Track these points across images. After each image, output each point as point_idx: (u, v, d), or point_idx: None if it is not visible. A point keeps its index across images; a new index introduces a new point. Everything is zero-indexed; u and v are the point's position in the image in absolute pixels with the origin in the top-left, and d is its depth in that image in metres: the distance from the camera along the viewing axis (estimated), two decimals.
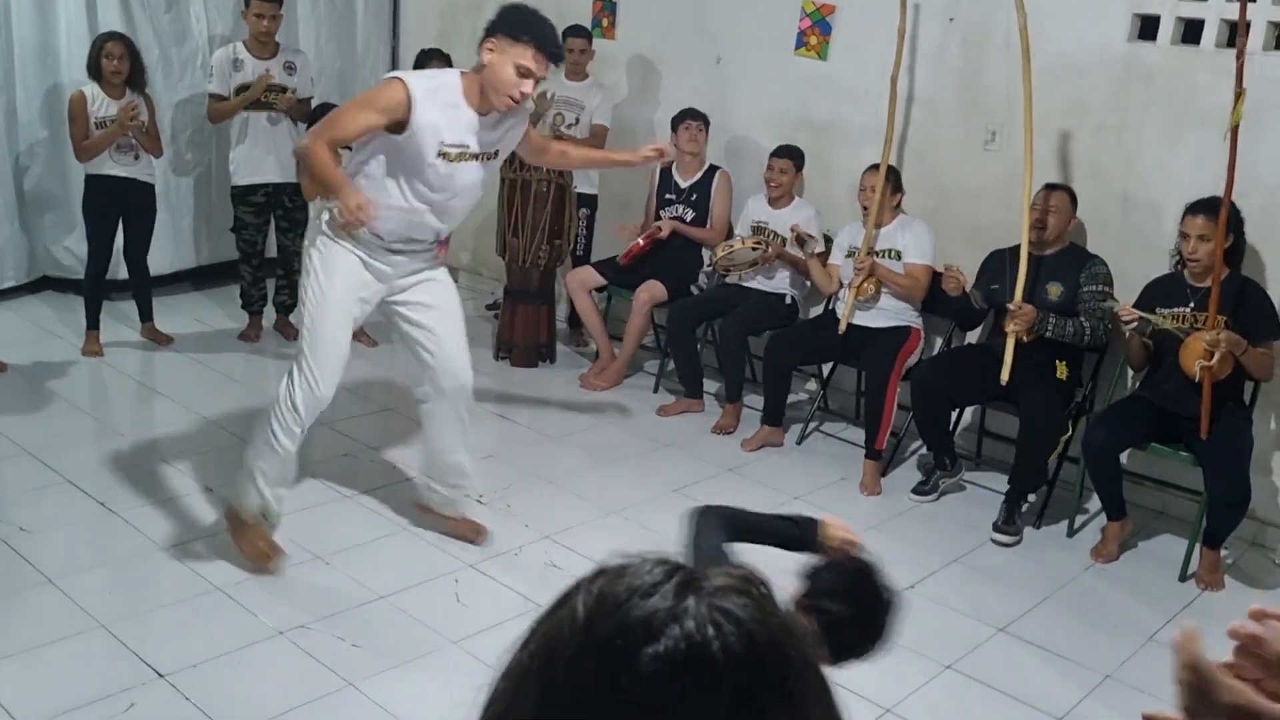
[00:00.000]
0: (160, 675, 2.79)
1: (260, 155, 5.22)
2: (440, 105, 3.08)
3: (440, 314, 3.45)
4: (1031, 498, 4.11)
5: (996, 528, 3.96)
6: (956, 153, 4.70)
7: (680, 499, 4.09)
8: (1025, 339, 3.93)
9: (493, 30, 3.11)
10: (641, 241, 5.14)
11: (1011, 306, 3.92)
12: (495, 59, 3.08)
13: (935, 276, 4.36)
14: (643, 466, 4.36)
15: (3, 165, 5.47)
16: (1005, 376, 3.88)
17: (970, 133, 4.65)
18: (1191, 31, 4.11)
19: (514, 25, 3.08)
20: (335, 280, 3.23)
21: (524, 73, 3.05)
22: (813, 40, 5.10)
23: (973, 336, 4.54)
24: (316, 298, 3.25)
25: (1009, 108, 4.39)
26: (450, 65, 5.49)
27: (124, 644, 2.90)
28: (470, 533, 3.64)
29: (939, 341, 4.68)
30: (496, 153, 3.29)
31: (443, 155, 3.10)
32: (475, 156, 3.19)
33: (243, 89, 5.15)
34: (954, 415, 4.33)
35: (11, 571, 3.23)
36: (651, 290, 5.06)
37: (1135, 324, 3.75)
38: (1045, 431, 3.93)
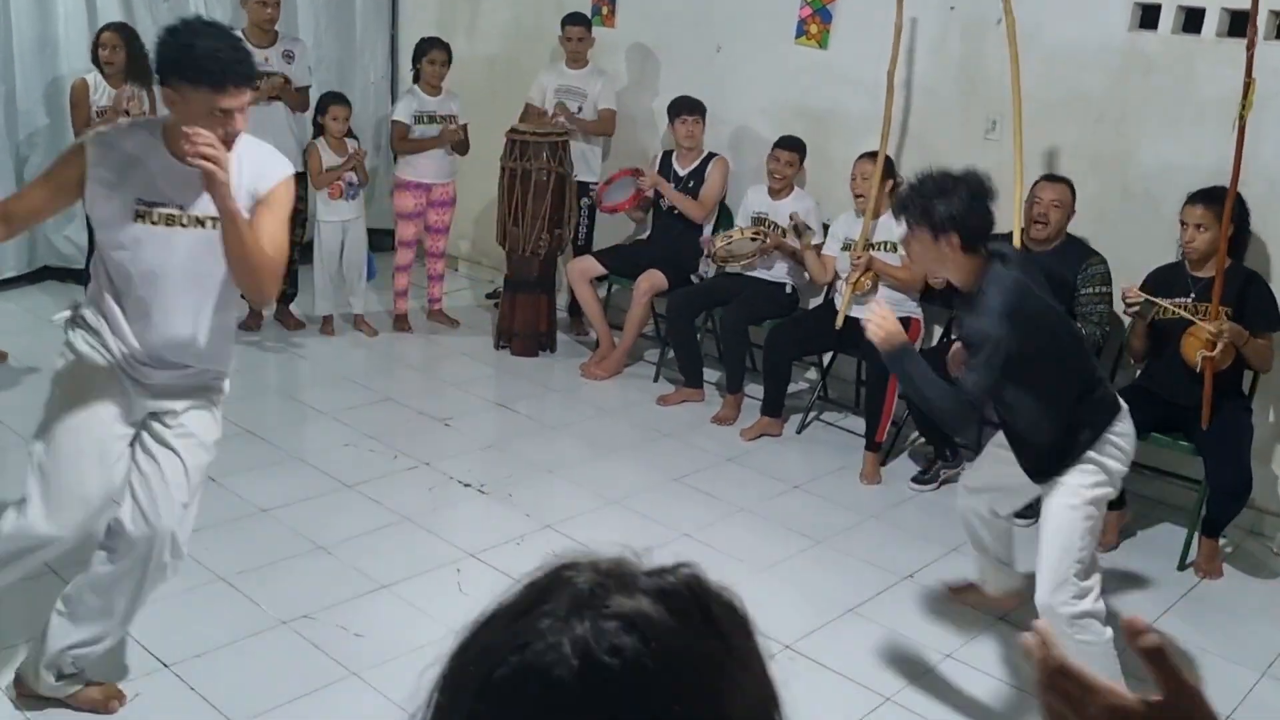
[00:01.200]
0: (165, 665, 2.80)
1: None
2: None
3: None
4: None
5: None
6: (957, 142, 4.69)
7: (680, 488, 4.11)
8: None
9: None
10: (622, 202, 5.17)
11: None
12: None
13: None
14: (643, 456, 4.37)
15: (3, 154, 5.46)
16: None
17: (971, 122, 4.65)
18: (1192, 20, 4.10)
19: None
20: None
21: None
22: (813, 29, 5.09)
23: None
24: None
25: (1009, 97, 4.38)
26: (450, 55, 5.49)
27: (129, 634, 2.91)
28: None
29: (939, 331, 4.69)
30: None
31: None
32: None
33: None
34: None
35: None
36: (652, 279, 5.06)
37: (1138, 308, 3.75)
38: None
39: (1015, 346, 2.53)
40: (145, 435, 2.54)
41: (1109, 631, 2.67)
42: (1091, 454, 2.68)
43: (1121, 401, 2.79)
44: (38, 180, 2.50)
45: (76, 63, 5.43)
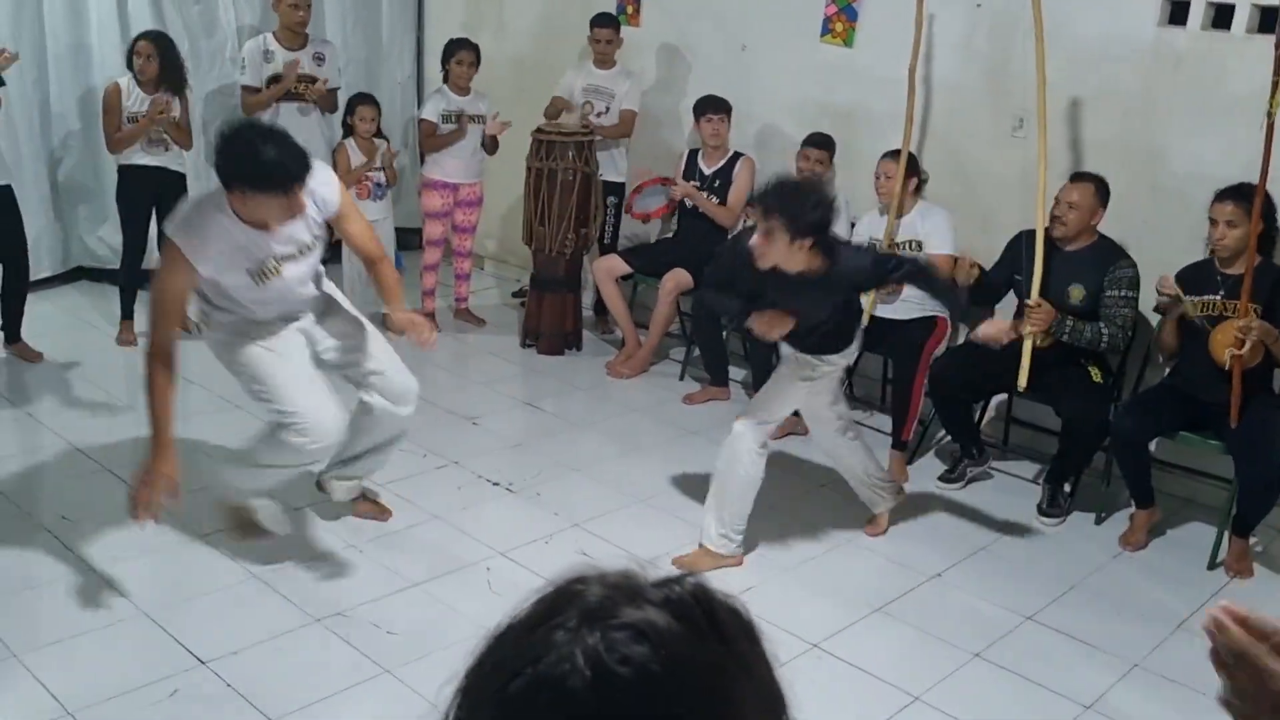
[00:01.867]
0: (202, 662, 2.85)
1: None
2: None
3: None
4: (1066, 486, 4.12)
5: (1042, 510, 4.02)
6: (983, 140, 4.68)
7: (707, 486, 4.11)
8: (1041, 343, 3.85)
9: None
10: (654, 210, 5.20)
11: (1029, 303, 3.87)
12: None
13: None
14: (669, 454, 4.39)
15: (37, 158, 5.54)
16: (1023, 382, 3.82)
17: (998, 120, 4.64)
18: (1222, 16, 4.08)
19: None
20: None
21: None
22: (838, 27, 5.09)
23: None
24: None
25: (1037, 94, 4.37)
26: (478, 56, 5.52)
27: (165, 630, 2.97)
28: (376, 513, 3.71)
29: (966, 330, 4.67)
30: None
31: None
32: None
33: (273, 80, 5.20)
34: (978, 406, 4.35)
35: (54, 559, 3.30)
36: (678, 278, 5.08)
37: (1170, 300, 3.74)
38: (1092, 434, 3.95)
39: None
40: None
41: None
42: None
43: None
44: (158, 310, 2.95)
45: (110, 69, 5.50)
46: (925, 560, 3.68)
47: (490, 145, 5.54)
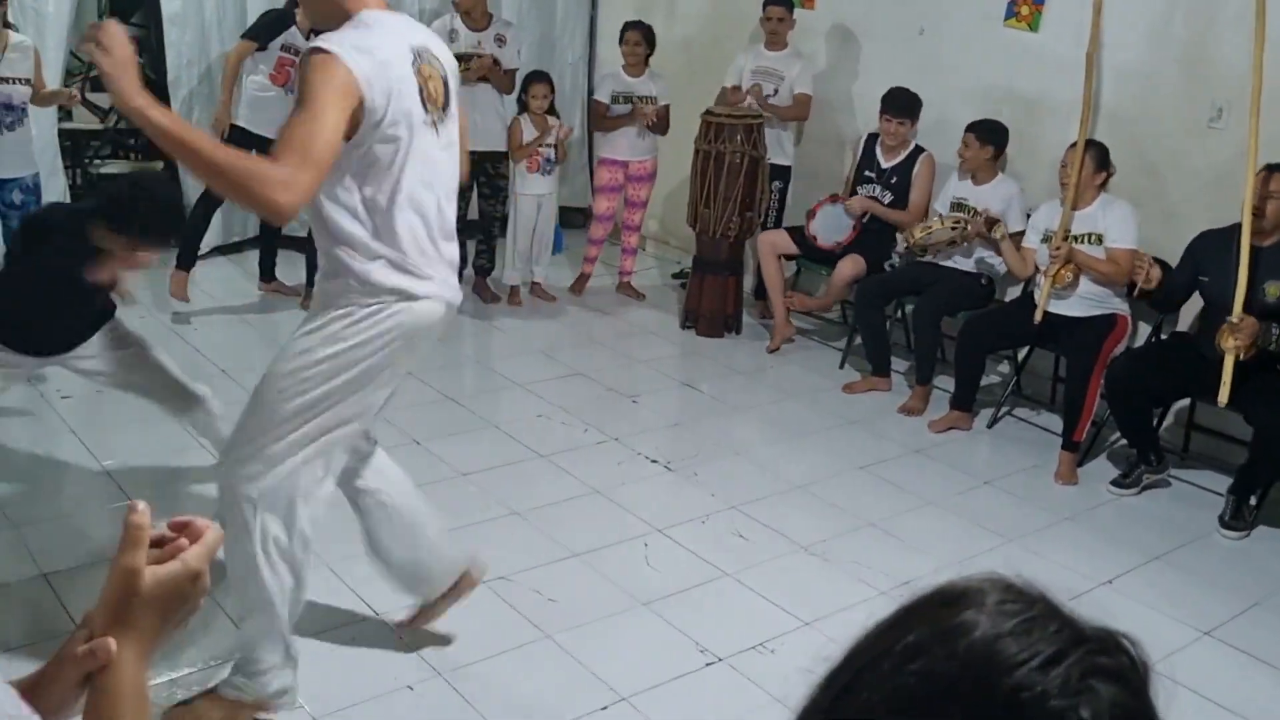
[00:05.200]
0: (376, 614, 2.99)
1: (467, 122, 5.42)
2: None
3: None
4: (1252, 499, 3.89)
5: (1224, 523, 3.81)
6: (1175, 130, 4.45)
7: (866, 477, 4.07)
8: (1244, 357, 3.64)
9: None
10: (842, 239, 5.09)
11: (1232, 320, 3.64)
12: None
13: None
14: (827, 442, 4.36)
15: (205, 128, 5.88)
16: (1224, 397, 3.61)
17: (1194, 109, 4.40)
18: None
19: None
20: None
21: None
22: (1024, 10, 4.92)
23: (1184, 323, 4.31)
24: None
25: (1240, 82, 4.12)
26: (647, 36, 5.56)
27: (344, 581, 3.13)
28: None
29: (1148, 330, 4.47)
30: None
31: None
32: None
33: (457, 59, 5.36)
34: (1158, 410, 4.15)
35: None
36: (856, 265, 5.00)
37: None
38: None
39: None
40: None
41: None
42: None
43: None
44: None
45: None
46: (1094, 566, 3.54)
47: (659, 126, 5.59)
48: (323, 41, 2.14)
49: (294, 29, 5.09)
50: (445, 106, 2.38)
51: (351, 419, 2.36)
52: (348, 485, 2.63)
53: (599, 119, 5.61)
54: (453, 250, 2.46)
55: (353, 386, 2.31)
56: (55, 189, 5.28)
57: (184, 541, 0.93)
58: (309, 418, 2.30)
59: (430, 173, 2.33)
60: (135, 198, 2.89)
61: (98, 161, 6.25)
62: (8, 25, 4.44)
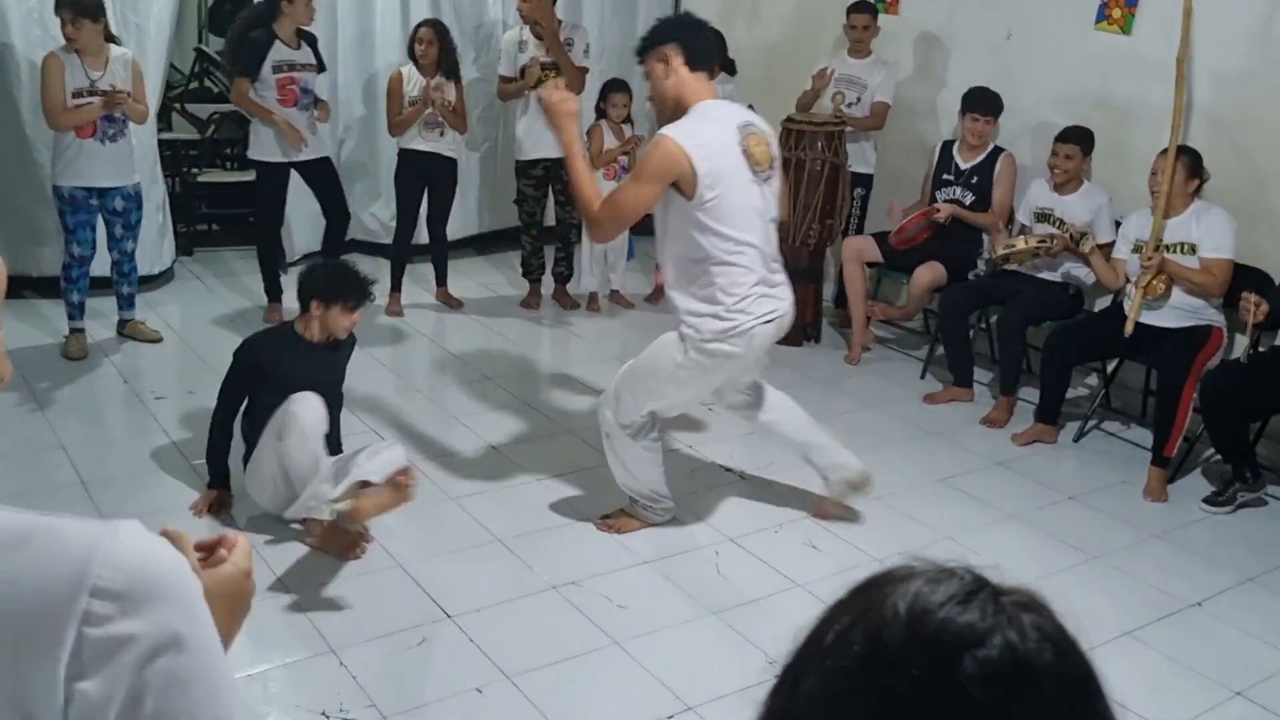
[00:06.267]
0: (448, 615, 3.03)
1: (540, 131, 5.41)
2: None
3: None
4: None
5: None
6: (1277, 137, 4.27)
7: (946, 490, 4.00)
8: None
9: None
10: (918, 234, 5.00)
11: None
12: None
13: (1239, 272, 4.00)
14: (907, 454, 4.28)
15: (324, 139, 6.02)
16: None
17: None
18: None
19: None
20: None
21: None
22: (1115, 13, 4.78)
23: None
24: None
25: None
26: (725, 51, 5.52)
27: (417, 583, 3.18)
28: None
29: (1244, 342, 4.30)
30: None
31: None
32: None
33: (524, 70, 5.42)
34: (1254, 425, 3.98)
35: None
36: (935, 272, 4.91)
37: None
38: None
39: None
40: None
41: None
42: None
43: None
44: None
45: (390, 56, 5.91)
46: (1183, 586, 3.42)
47: None
48: (668, 129, 3.08)
49: (278, 44, 4.94)
50: (771, 165, 3.25)
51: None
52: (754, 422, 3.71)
53: None
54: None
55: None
56: (155, 197, 5.47)
57: (223, 552, 1.00)
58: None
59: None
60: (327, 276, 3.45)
61: (195, 170, 6.45)
62: (110, 39, 4.61)
